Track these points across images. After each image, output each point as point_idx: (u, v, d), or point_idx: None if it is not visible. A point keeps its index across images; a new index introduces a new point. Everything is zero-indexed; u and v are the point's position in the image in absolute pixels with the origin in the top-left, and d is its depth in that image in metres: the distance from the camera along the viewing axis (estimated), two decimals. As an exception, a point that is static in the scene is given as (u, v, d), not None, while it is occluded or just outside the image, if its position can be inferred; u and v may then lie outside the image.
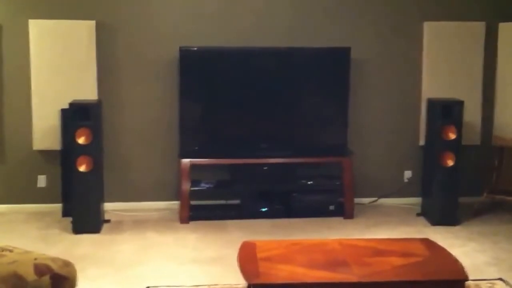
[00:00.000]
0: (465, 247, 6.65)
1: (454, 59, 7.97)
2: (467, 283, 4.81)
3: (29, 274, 4.05)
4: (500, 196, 7.72)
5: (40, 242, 6.70)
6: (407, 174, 8.24)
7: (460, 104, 7.38)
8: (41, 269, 4.12)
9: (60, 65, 7.55)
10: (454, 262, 4.82)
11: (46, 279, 4.11)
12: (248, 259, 4.84)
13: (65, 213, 7.54)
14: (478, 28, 8.00)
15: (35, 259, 4.20)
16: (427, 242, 5.24)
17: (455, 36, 7.97)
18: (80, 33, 7.55)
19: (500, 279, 5.81)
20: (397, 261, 4.81)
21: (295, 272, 4.64)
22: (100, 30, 7.64)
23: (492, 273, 5.97)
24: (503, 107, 8.02)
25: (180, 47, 7.53)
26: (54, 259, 4.31)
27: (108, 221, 7.44)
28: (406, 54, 8.07)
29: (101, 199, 7.36)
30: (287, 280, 4.56)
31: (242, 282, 4.84)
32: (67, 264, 4.31)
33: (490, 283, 5.70)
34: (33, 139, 7.66)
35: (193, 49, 7.60)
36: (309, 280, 4.57)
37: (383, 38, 8.03)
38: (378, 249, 5.05)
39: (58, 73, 7.55)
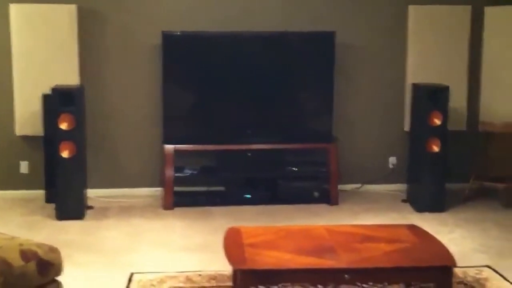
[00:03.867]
0: (452, 233, 6.63)
1: (439, 43, 7.94)
2: (455, 270, 4.80)
3: (16, 260, 4.01)
4: (488, 182, 7.72)
5: (24, 229, 6.64)
6: (392, 160, 8.23)
7: (445, 89, 7.34)
8: (27, 255, 4.09)
9: (41, 50, 7.48)
10: (442, 248, 4.80)
11: (32, 264, 4.07)
12: (234, 245, 4.80)
13: (48, 199, 7.49)
14: (464, 12, 7.96)
15: (21, 245, 4.16)
16: (414, 228, 5.21)
17: (440, 20, 7.93)
18: (62, 17, 7.47)
19: (488, 266, 5.79)
20: (384, 247, 4.78)
21: (282, 258, 4.60)
22: (82, 14, 7.56)
23: (480, 260, 5.96)
24: (489, 92, 8.01)
25: (163, 32, 7.47)
26: (39, 245, 4.27)
27: (91, 207, 7.39)
28: (391, 38, 8.03)
29: (85, 185, 7.31)
30: (273, 266, 4.53)
31: (228, 268, 4.81)
32: (53, 250, 4.28)
33: (478, 270, 5.68)
34: (16, 125, 7.59)
35: (176, 33, 7.54)
36: (296, 266, 4.53)
37: (368, 22, 7.99)
38: (365, 235, 5.02)
39: (40, 58, 7.48)
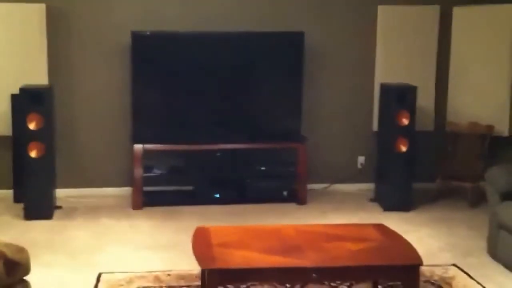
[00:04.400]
0: (418, 232, 6.68)
1: (408, 43, 8.01)
2: (422, 269, 4.83)
3: (-18, 260, 4.00)
4: (454, 181, 7.78)
5: (-10, 228, 6.61)
6: (361, 159, 8.27)
7: (413, 89, 7.39)
8: (-7, 254, 4.07)
9: (10, 49, 7.43)
10: (409, 247, 4.83)
11: (0, 264, 4.06)
12: (202, 245, 4.81)
13: (16, 199, 7.45)
14: (432, 12, 8.02)
15: (-13, 244, 4.15)
16: (381, 228, 5.24)
17: (409, 20, 7.99)
18: (30, 17, 7.42)
19: (454, 265, 5.85)
20: (351, 246, 4.80)
21: (250, 258, 4.61)
22: (51, 14, 7.51)
23: (446, 259, 6.03)
24: (456, 93, 8.08)
25: (132, 32, 7.46)
26: (7, 245, 4.26)
27: (60, 207, 7.36)
28: (360, 38, 8.07)
29: (53, 185, 7.29)
30: (242, 266, 4.54)
31: (196, 267, 4.81)
32: (20, 250, 4.27)
33: (444, 269, 5.74)
34: (-17, 125, 7.54)
35: (145, 33, 7.53)
36: (264, 265, 4.54)
37: (338, 23, 8.03)
38: (333, 235, 5.04)
39: (8, 57, 7.43)
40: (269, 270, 4.53)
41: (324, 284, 5.29)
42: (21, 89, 6.96)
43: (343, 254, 4.68)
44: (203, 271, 4.78)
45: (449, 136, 7.97)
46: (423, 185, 7.84)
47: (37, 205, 7.01)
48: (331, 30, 8.01)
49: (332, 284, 5.32)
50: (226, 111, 7.81)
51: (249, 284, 5.25)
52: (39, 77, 7.41)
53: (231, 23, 7.77)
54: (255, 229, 5.34)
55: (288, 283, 5.27)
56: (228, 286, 5.16)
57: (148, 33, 7.54)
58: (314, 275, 4.50)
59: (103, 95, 7.78)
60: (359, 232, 5.13)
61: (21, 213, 7.03)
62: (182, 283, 5.41)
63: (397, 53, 8.00)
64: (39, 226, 6.81)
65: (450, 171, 7.84)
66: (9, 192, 7.55)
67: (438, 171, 7.89)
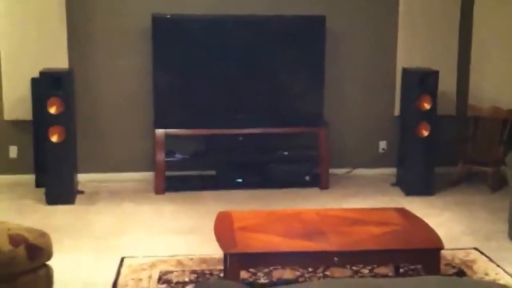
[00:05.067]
0: (440, 216, 6.67)
1: (429, 27, 7.93)
2: (443, 252, 4.83)
3: (4, 244, 4.02)
4: (476, 166, 7.75)
5: (14, 213, 6.62)
6: (382, 144, 8.24)
7: (435, 73, 7.36)
8: (15, 239, 4.10)
9: (30, 33, 7.43)
10: (430, 231, 4.83)
11: (21, 249, 4.09)
12: (224, 229, 4.83)
13: (38, 184, 7.46)
14: (455, -5, 7.97)
15: (9, 229, 4.18)
16: (402, 212, 5.24)
17: (430, 3, 7.91)
18: (50, 0, 7.41)
19: (475, 248, 5.84)
20: (373, 230, 4.81)
21: (272, 242, 4.63)
22: (71, -4, 7.54)
23: (468, 242, 6.02)
24: (478, 77, 8.03)
25: (152, 15, 7.44)
26: (28, 230, 4.28)
27: (82, 192, 7.38)
28: (381, 22, 8.02)
29: (75, 170, 7.31)
30: (263, 250, 4.56)
31: (219, 252, 4.82)
32: (42, 235, 4.29)
33: (465, 252, 5.74)
34: (4, 109, 7.56)
35: (166, 16, 7.51)
36: (286, 249, 4.56)
37: (359, 6, 7.97)
38: (354, 219, 5.04)
39: (28, 41, 7.43)
40: (290, 254, 4.56)
41: (346, 267, 5.30)
42: (41, 73, 6.97)
43: (364, 238, 4.68)
44: (225, 255, 4.79)
45: (471, 120, 7.93)
46: (445, 169, 7.80)
47: (59, 190, 7.03)
48: (352, 14, 7.96)
49: (354, 267, 5.32)
50: (248, 95, 7.80)
51: (271, 268, 5.26)
52: (59, 61, 7.40)
53: (253, 6, 7.74)
54: (276, 213, 5.36)
55: (310, 267, 5.28)
56: (250, 270, 5.20)
57: (168, 16, 7.52)
58: (335, 258, 4.52)
59: (124, 79, 7.77)
60: (381, 216, 5.13)
61: (43, 198, 7.05)
62: (205, 267, 5.43)
63: (419, 37, 7.92)
64: (61, 211, 6.84)
65: (471, 156, 7.81)
66: (31, 177, 7.55)
67: (460, 155, 7.85)
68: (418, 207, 6.75)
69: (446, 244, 4.73)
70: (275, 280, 5.16)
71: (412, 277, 4.84)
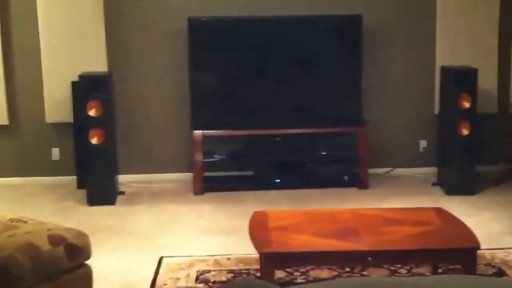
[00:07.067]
0: (481, 216, 6.60)
1: (468, 25, 7.84)
2: (483, 252, 4.79)
3: (44, 244, 4.07)
4: (517, 164, 7.68)
5: (55, 214, 6.72)
6: (423, 143, 8.18)
7: (474, 71, 7.27)
8: (55, 239, 4.15)
9: (69, 37, 7.52)
10: (466, 231, 4.78)
11: (61, 249, 4.13)
12: (259, 229, 4.84)
13: (79, 185, 7.55)
14: (494, -8, 7.89)
15: (49, 229, 4.23)
16: (439, 211, 5.19)
17: (469, 1, 7.85)
18: (88, 4, 7.50)
19: (516, 248, 5.80)
20: (408, 230, 4.77)
21: (307, 241, 4.63)
22: (108, 1, 7.58)
23: (508, 242, 5.94)
24: (519, 74, 7.96)
25: (188, 18, 7.48)
26: (67, 230, 4.33)
27: (122, 193, 7.45)
28: (419, 20, 7.96)
29: (115, 171, 7.38)
30: (298, 249, 4.56)
31: (256, 251, 4.84)
32: (81, 235, 4.34)
33: (505, 252, 5.67)
34: (46, 112, 7.67)
35: (202, 19, 7.55)
36: (320, 249, 4.56)
37: (396, 4, 7.93)
38: (390, 218, 5.01)
39: (68, 45, 7.53)
40: (324, 254, 4.55)
41: (383, 267, 5.28)
42: (81, 76, 7.06)
43: (398, 237, 4.65)
44: (260, 255, 4.80)
45: (513, 118, 7.86)
46: (487, 168, 7.73)
47: (100, 191, 7.11)
48: (389, 12, 7.92)
49: (391, 267, 5.30)
50: (285, 95, 7.81)
51: (308, 268, 5.26)
52: (98, 64, 7.49)
53: (289, 7, 7.74)
54: (312, 213, 5.35)
55: (344, 267, 5.27)
56: (285, 269, 5.21)
57: (204, 18, 7.56)
58: (369, 258, 4.50)
59: (161, 81, 7.83)
60: (417, 216, 5.09)
61: (85, 199, 7.13)
62: (242, 266, 5.45)
63: (458, 34, 7.85)
64: (102, 211, 6.92)
65: (513, 154, 7.74)
66: (73, 178, 7.65)
67: (502, 153, 7.77)
68: (459, 206, 6.70)
69: (486, 244, 4.69)
70: (311, 279, 5.16)
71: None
